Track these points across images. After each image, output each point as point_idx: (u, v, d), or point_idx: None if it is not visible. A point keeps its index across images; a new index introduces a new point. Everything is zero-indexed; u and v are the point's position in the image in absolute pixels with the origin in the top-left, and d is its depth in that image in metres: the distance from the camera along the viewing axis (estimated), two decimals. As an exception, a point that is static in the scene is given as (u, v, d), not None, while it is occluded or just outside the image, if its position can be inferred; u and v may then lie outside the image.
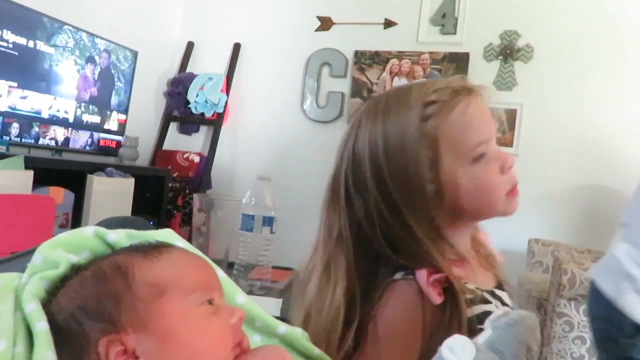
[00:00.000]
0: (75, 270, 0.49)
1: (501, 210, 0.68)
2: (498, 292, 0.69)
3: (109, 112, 2.99)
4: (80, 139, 2.80)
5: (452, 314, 0.59)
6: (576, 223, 2.83)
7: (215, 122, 3.46)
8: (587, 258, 2.46)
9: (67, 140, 2.70)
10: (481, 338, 0.50)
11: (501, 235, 2.97)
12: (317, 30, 3.38)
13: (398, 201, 0.63)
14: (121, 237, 0.53)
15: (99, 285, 0.46)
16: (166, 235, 0.56)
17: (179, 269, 0.49)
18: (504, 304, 0.68)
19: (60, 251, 0.50)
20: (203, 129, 3.60)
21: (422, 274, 0.61)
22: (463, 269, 0.65)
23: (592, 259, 2.44)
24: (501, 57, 3.01)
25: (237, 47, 3.55)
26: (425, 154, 0.63)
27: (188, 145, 3.56)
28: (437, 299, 0.59)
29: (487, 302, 0.65)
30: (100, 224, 0.65)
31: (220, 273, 0.56)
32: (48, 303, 0.46)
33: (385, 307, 0.63)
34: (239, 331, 0.49)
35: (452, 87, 0.66)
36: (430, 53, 3.12)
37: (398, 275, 0.64)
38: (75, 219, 2.46)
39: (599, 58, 2.85)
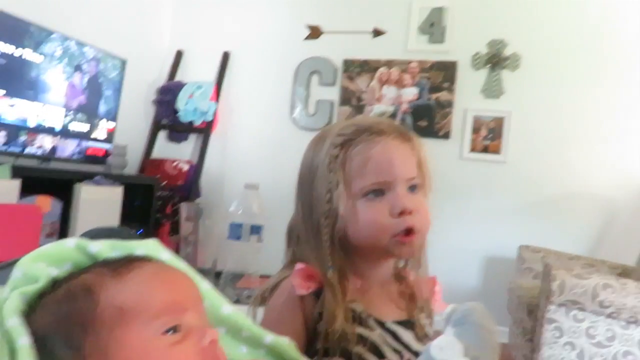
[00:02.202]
0: (54, 285, 0.48)
1: (390, 251, 0.70)
2: (395, 327, 0.71)
3: (97, 121, 2.97)
4: (68, 147, 2.78)
5: (321, 312, 0.66)
6: (565, 229, 2.85)
7: (205, 130, 3.45)
8: (576, 264, 2.48)
9: (54, 148, 2.68)
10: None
11: (492, 242, 3.02)
12: (306, 38, 3.39)
13: (312, 212, 0.72)
14: (104, 248, 0.52)
15: (69, 306, 0.46)
16: (151, 245, 0.55)
17: (147, 290, 0.47)
18: (396, 338, 0.70)
19: (42, 264, 0.49)
20: (192, 137, 3.59)
21: (299, 265, 0.69)
22: (357, 288, 0.70)
23: (581, 265, 2.45)
24: (489, 65, 3.03)
25: (226, 56, 3.55)
26: (329, 178, 0.70)
27: (177, 153, 3.54)
28: (298, 289, 0.66)
29: (368, 327, 0.68)
30: (84, 234, 0.65)
31: (205, 285, 0.55)
32: (29, 318, 0.45)
33: (272, 298, 0.70)
34: (212, 353, 0.48)
35: (363, 125, 0.72)
36: (419, 61, 3.14)
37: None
38: (63, 228, 2.44)
39: (583, 66, 2.89)
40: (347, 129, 0.71)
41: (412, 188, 0.72)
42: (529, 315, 2.04)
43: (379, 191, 0.69)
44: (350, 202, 0.69)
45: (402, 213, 0.68)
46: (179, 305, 0.48)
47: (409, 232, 0.69)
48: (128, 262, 0.50)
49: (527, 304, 2.07)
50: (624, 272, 2.40)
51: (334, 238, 0.70)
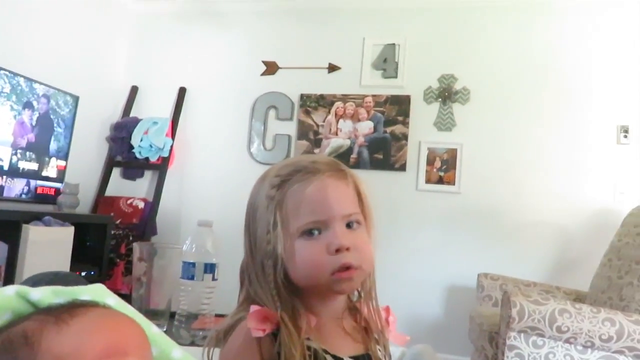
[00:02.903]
0: None
1: (330, 288, 0.70)
2: None
3: (47, 159, 2.88)
4: (16, 187, 2.68)
5: (279, 352, 0.65)
6: (521, 257, 2.91)
7: (161, 167, 3.40)
8: (533, 290, 2.53)
9: (1, 188, 2.58)
10: None
11: (452, 271, 3.05)
12: (263, 74, 3.42)
13: (257, 253, 0.72)
14: (46, 295, 0.50)
15: (8, 356, 0.44)
16: (96, 290, 0.53)
17: (87, 337, 0.46)
18: None
19: None
20: (148, 173, 3.52)
21: (254, 307, 0.67)
22: (312, 325, 0.70)
23: (538, 292, 2.51)
24: (440, 99, 3.13)
25: (182, 91, 3.54)
26: (268, 219, 0.70)
27: (132, 190, 3.46)
28: (254, 332, 0.65)
29: None
30: (26, 281, 0.62)
31: (154, 329, 0.53)
32: None
33: (228, 341, 0.69)
34: None
35: (299, 165, 0.73)
36: (374, 96, 3.21)
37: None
38: (9, 272, 2.32)
39: (528, 100, 3.02)
40: (284, 169, 0.73)
41: (351, 224, 0.71)
42: (490, 343, 2.06)
43: (315, 230, 0.69)
44: (289, 242, 0.70)
45: (338, 250, 0.68)
46: (119, 351, 0.46)
47: (347, 268, 0.69)
48: (71, 309, 0.48)
49: (488, 332, 2.09)
50: (578, 298, 2.47)
51: (277, 278, 0.70)
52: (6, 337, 0.45)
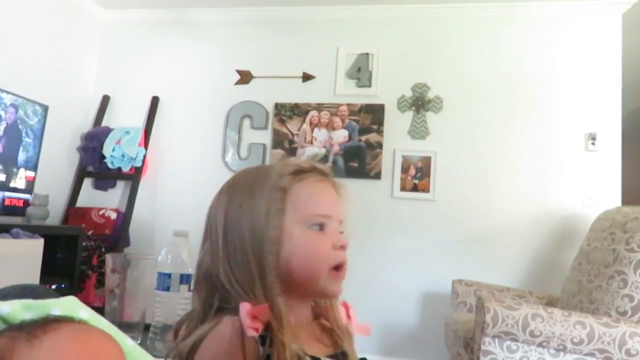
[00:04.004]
0: None
1: (324, 286, 0.72)
2: None
3: (15, 169, 2.81)
4: (-18, 199, 2.60)
5: (270, 353, 0.63)
6: (494, 263, 2.95)
7: (133, 177, 3.35)
8: (506, 296, 2.56)
9: (-34, 201, 2.50)
10: None
11: (427, 278, 3.08)
12: (236, 83, 3.41)
13: (248, 244, 0.70)
14: (16, 309, 0.49)
15: None
16: (68, 303, 0.52)
17: (59, 354, 0.45)
18: None
19: None
20: (120, 184, 3.46)
21: (245, 306, 0.65)
22: (292, 323, 0.69)
23: (511, 297, 2.54)
24: (414, 108, 3.17)
25: (155, 100, 3.50)
26: (275, 203, 0.71)
27: (104, 201, 3.40)
28: (250, 331, 0.62)
29: None
30: (-6, 293, 0.60)
31: (129, 342, 0.52)
32: None
33: (203, 346, 0.65)
34: None
35: (307, 166, 0.76)
36: (348, 104, 3.23)
37: (226, 317, 0.67)
38: (-25, 287, 2.24)
39: (498, 108, 3.08)
40: (289, 167, 0.75)
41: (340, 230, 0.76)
42: (466, 349, 2.07)
43: (321, 224, 0.73)
44: (296, 230, 0.71)
45: (342, 247, 0.74)
46: None
47: (340, 267, 0.73)
48: (43, 325, 0.47)
49: (463, 338, 2.11)
50: (550, 302, 2.51)
51: (279, 265, 0.70)
52: None
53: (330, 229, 0.73)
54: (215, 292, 0.71)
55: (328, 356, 0.73)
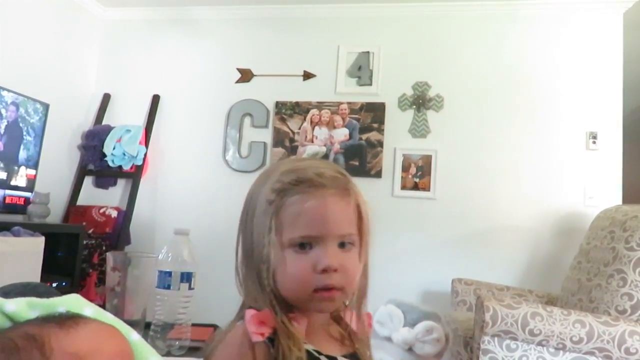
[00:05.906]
0: None
1: (311, 305, 0.70)
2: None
3: (16, 168, 2.81)
4: (-17, 197, 2.61)
5: (277, 357, 0.64)
6: (494, 262, 2.96)
7: (134, 175, 3.35)
8: (506, 295, 2.57)
9: (-33, 199, 2.51)
10: None
11: (427, 276, 3.08)
12: (237, 81, 3.41)
13: (252, 253, 0.72)
14: (21, 306, 0.49)
15: (12, 358, 0.42)
16: (73, 301, 0.52)
17: (102, 340, 0.48)
18: None
19: None
20: (121, 182, 3.47)
21: (250, 312, 0.67)
22: (303, 327, 0.70)
23: (511, 296, 2.55)
24: (414, 106, 3.17)
25: (156, 99, 3.50)
26: (265, 220, 0.70)
27: (105, 199, 3.41)
28: (255, 336, 0.64)
29: None
30: (-4, 291, 0.60)
31: (134, 336, 0.53)
32: None
33: (215, 349, 0.68)
34: None
35: (304, 177, 0.70)
36: (349, 103, 3.23)
37: (239, 323, 0.69)
38: (-24, 285, 2.25)
39: (500, 106, 3.08)
40: (288, 175, 0.71)
41: (344, 244, 0.71)
42: (465, 348, 2.08)
43: (307, 244, 0.69)
44: (279, 251, 0.69)
45: (324, 271, 0.68)
46: (123, 354, 0.49)
47: (330, 289, 0.69)
48: (71, 317, 0.50)
49: (462, 337, 2.12)
50: (550, 301, 2.52)
51: (270, 283, 0.70)
52: (8, 341, 0.44)
53: (317, 249, 0.69)
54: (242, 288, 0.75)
55: (344, 355, 0.73)
